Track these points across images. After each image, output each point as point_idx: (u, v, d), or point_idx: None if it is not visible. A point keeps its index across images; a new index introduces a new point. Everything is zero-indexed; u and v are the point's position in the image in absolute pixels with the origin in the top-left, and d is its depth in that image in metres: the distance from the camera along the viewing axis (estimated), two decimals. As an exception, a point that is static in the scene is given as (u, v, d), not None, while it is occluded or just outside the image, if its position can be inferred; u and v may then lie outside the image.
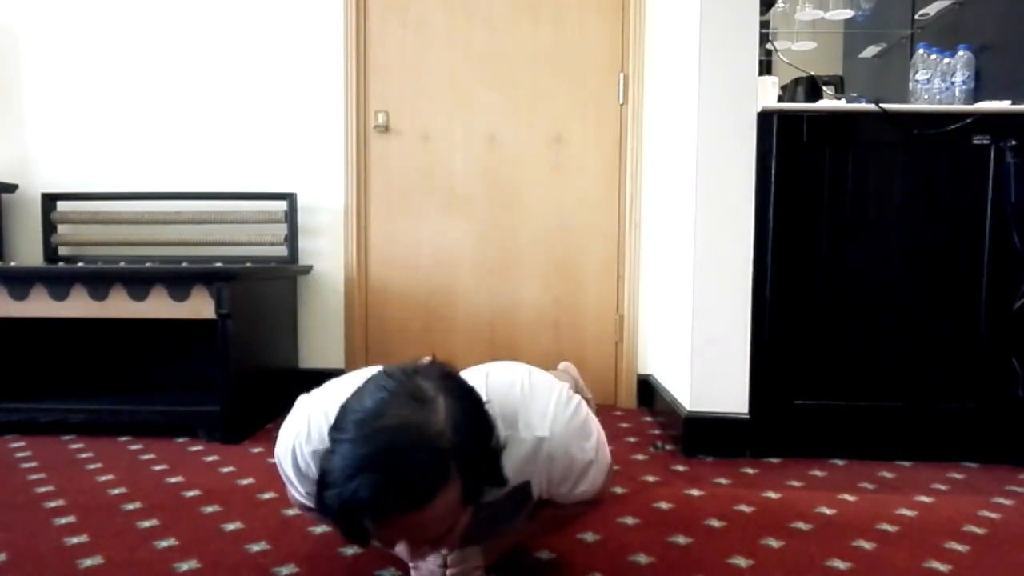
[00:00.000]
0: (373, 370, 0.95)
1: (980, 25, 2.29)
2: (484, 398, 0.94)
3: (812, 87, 2.39)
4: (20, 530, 1.39)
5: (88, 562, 1.25)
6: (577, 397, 1.11)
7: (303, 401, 1.11)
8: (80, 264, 2.44)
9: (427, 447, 0.82)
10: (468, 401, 0.90)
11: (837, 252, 1.90)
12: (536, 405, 1.05)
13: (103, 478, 1.72)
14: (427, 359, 0.95)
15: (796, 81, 2.44)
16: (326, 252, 2.65)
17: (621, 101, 2.58)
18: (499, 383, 1.06)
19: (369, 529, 0.85)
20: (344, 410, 0.87)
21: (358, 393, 0.88)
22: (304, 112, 2.62)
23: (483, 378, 1.05)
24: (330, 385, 1.10)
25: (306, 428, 1.04)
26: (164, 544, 1.33)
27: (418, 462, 0.82)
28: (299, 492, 1.11)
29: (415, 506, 0.82)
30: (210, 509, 1.52)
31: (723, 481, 1.74)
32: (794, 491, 1.67)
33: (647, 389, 2.56)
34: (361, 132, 2.62)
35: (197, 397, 2.19)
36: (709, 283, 1.93)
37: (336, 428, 0.86)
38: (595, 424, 1.12)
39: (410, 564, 1.14)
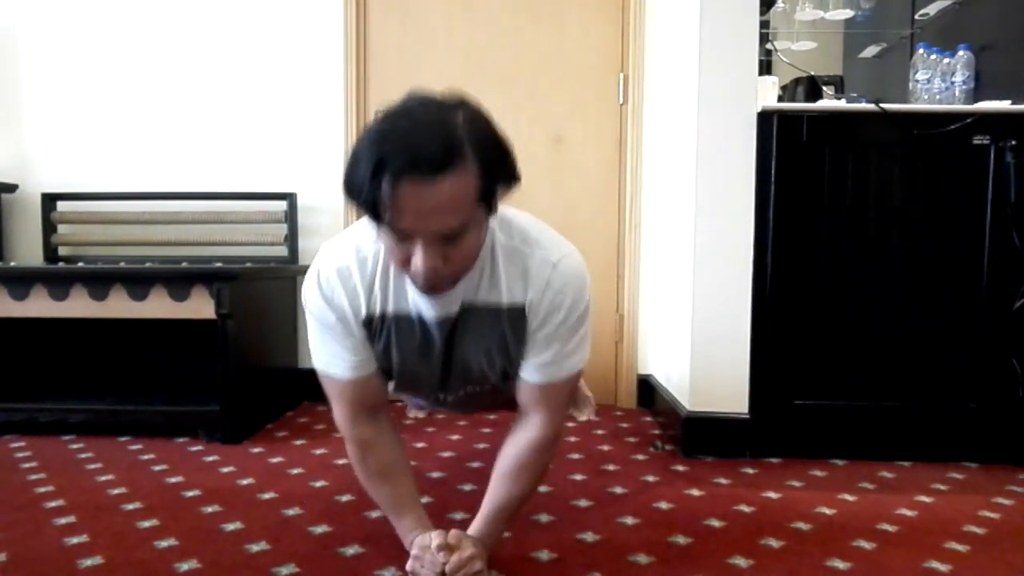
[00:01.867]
0: None
1: (980, 25, 2.29)
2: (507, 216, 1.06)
3: (812, 87, 2.39)
4: (20, 530, 1.39)
5: (88, 562, 1.25)
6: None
7: (326, 244, 1.20)
8: (80, 264, 2.44)
9: (446, 128, 0.90)
10: (489, 120, 0.96)
11: (837, 252, 1.90)
12: (554, 240, 1.15)
13: (103, 478, 1.72)
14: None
15: (796, 81, 2.45)
16: (326, 252, 2.64)
17: (621, 101, 2.58)
18: (526, 215, 1.17)
19: (386, 207, 0.89)
20: (373, 118, 0.95)
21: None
22: (304, 112, 2.62)
23: (512, 208, 1.12)
24: (353, 226, 1.20)
25: (328, 254, 1.15)
26: (164, 544, 1.33)
27: (437, 133, 0.89)
28: (326, 325, 1.14)
29: (432, 168, 0.87)
30: (210, 509, 1.52)
31: (723, 481, 1.74)
32: (794, 491, 1.67)
33: (647, 389, 2.56)
34: (361, 132, 2.61)
35: (197, 397, 2.18)
36: (709, 283, 1.93)
37: (365, 132, 0.94)
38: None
39: (408, 568, 1.14)
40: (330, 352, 1.16)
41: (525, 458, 1.20)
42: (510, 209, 1.13)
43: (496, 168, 0.95)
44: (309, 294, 1.14)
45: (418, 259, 0.94)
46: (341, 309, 1.12)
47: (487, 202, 0.96)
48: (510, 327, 1.12)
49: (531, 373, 1.16)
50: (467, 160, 0.90)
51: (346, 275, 1.11)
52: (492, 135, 0.95)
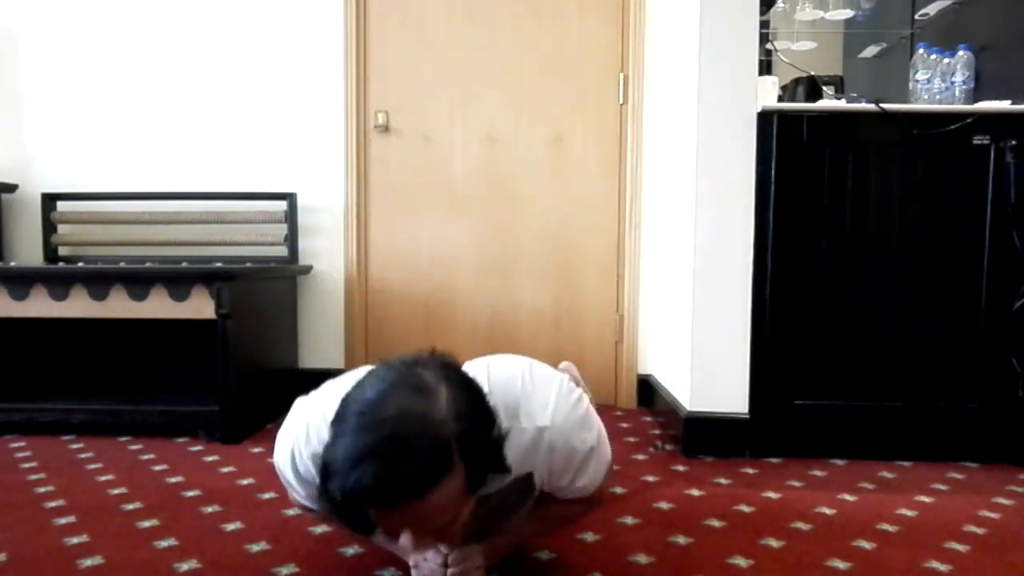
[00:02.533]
0: (370, 368, 0.95)
1: (980, 25, 2.29)
2: (486, 389, 0.95)
3: (812, 87, 2.39)
4: (20, 530, 1.39)
5: (88, 562, 1.25)
6: (578, 390, 1.12)
7: (300, 404, 1.12)
8: (80, 264, 2.44)
9: (429, 435, 0.83)
10: (469, 390, 0.91)
11: (837, 252, 1.90)
12: (537, 396, 1.06)
13: (103, 478, 1.72)
14: (426, 352, 0.95)
15: (796, 81, 2.44)
16: (326, 252, 2.65)
17: (621, 101, 2.58)
18: (500, 375, 1.07)
19: (372, 518, 0.85)
20: (345, 402, 0.88)
21: (359, 385, 0.89)
22: (304, 112, 2.62)
23: (484, 370, 1.06)
24: (327, 386, 1.10)
25: (304, 431, 1.04)
26: (164, 544, 1.33)
27: (420, 450, 0.82)
28: (299, 494, 1.12)
29: (418, 494, 0.82)
30: (210, 509, 1.52)
31: (723, 481, 1.74)
32: (794, 491, 1.67)
33: (647, 389, 2.56)
34: (361, 132, 2.62)
35: (197, 397, 2.19)
36: (709, 283, 1.93)
37: (337, 420, 0.86)
38: (596, 418, 1.13)
39: (411, 564, 1.14)
40: (294, 493, 1.13)
41: (561, 509, 1.19)
42: (480, 371, 1.05)
43: (484, 457, 0.90)
44: (281, 464, 1.09)
45: (407, 542, 0.89)
46: (311, 491, 1.07)
47: (477, 489, 0.90)
48: (517, 493, 1.09)
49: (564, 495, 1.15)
50: (455, 465, 0.84)
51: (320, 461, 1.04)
52: (478, 418, 0.89)
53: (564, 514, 1.22)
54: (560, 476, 1.08)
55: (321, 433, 0.95)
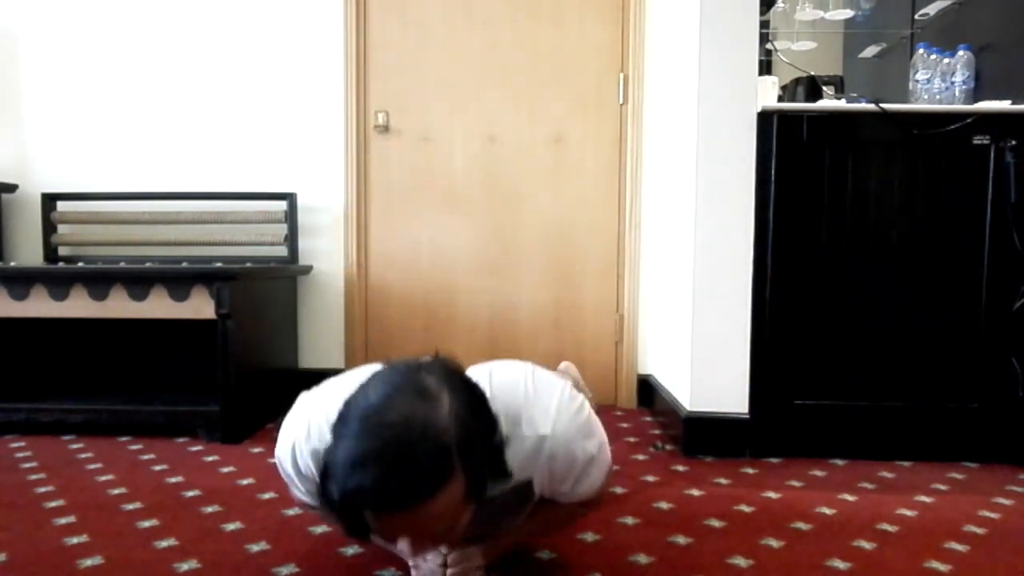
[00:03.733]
0: (374, 367, 0.95)
1: (980, 25, 2.29)
2: (488, 395, 0.94)
3: (812, 87, 2.39)
4: (20, 530, 1.39)
5: (88, 562, 1.25)
6: (580, 396, 1.11)
7: (304, 399, 1.12)
8: (80, 264, 2.44)
9: (431, 441, 0.82)
10: (472, 396, 0.91)
11: (837, 252, 1.90)
12: (539, 403, 1.05)
13: (103, 478, 1.72)
14: (429, 356, 0.95)
15: (796, 81, 2.44)
16: (326, 252, 2.65)
17: (621, 101, 2.58)
18: (503, 381, 1.06)
19: (370, 523, 0.85)
20: (348, 405, 0.87)
21: (362, 389, 0.89)
22: (304, 112, 2.62)
23: (486, 376, 1.06)
24: (331, 383, 1.10)
25: (306, 428, 1.04)
26: (164, 544, 1.33)
27: (422, 456, 0.81)
28: (299, 490, 1.12)
29: (418, 501, 0.82)
30: (210, 509, 1.52)
31: (723, 481, 1.74)
32: (794, 491, 1.67)
33: (647, 389, 2.56)
34: (361, 132, 2.62)
35: (197, 397, 2.19)
36: (709, 283, 1.93)
37: (339, 423, 0.86)
38: (597, 424, 1.13)
39: (411, 564, 1.14)
40: (295, 488, 1.14)
41: (560, 511, 1.19)
42: (483, 377, 1.04)
43: (486, 464, 0.90)
44: (282, 458, 1.09)
45: (405, 548, 0.90)
46: (311, 487, 1.07)
47: (477, 496, 0.89)
48: (515, 499, 1.10)
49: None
50: (455, 472, 0.83)
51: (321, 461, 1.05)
52: (480, 425, 0.89)
53: (563, 515, 1.22)
54: (561, 482, 1.08)
55: (323, 432, 0.94)
